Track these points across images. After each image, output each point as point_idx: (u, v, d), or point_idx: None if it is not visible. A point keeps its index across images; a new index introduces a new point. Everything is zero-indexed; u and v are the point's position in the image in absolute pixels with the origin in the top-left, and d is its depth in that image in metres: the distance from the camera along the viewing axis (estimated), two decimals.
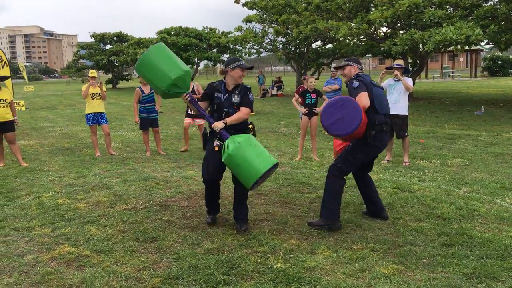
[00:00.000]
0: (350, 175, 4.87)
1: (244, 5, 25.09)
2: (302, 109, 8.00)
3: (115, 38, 40.49)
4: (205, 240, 4.32)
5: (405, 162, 7.51)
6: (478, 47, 26.18)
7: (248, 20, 25.93)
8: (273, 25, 25.36)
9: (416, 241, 4.19)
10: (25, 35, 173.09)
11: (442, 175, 6.66)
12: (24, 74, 37.34)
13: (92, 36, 40.05)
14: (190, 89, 8.98)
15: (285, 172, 7.00)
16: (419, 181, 6.40)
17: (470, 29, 12.83)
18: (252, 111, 4.67)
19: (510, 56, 38.38)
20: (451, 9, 15.79)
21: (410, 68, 20.30)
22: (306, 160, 8.00)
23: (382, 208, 4.83)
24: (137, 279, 3.57)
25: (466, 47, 15.64)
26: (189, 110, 9.11)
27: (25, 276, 3.66)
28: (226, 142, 4.28)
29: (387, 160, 7.67)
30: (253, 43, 26.00)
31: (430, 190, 5.87)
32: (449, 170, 7.00)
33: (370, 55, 27.65)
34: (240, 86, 4.60)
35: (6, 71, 13.46)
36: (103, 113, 8.86)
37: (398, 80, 7.35)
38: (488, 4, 15.10)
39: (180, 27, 35.88)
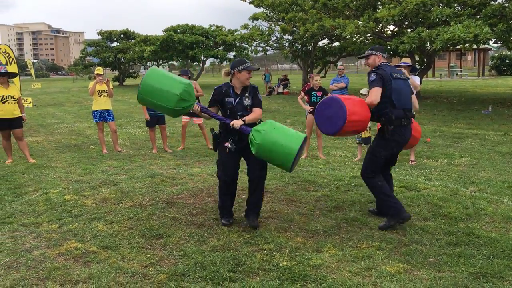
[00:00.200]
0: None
1: (250, 2, 25.06)
2: (308, 107, 7.99)
3: (122, 35, 40.64)
4: (211, 237, 4.34)
5: (411, 161, 7.49)
6: (486, 45, 26.02)
7: (254, 17, 25.94)
8: (279, 23, 25.35)
9: (423, 240, 4.18)
10: (33, 32, 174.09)
11: (449, 174, 6.64)
12: (32, 71, 37.54)
13: (99, 33, 40.22)
14: None
15: None
16: (425, 180, 6.37)
17: (478, 28, 12.74)
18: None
19: None
20: (459, 8, 15.69)
21: (418, 67, 20.20)
22: (312, 158, 7.99)
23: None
24: (143, 275, 3.59)
25: (474, 46, 15.54)
26: None
27: (32, 271, 3.70)
28: (250, 135, 4.31)
29: None
30: (259, 41, 26.00)
31: (436, 189, 5.85)
32: (456, 169, 6.97)
33: None
34: (249, 87, 4.61)
35: (14, 68, 13.56)
36: (110, 110, 8.90)
37: None
38: (497, 2, 14.99)
39: (187, 24, 35.88)
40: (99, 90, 8.69)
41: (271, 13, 25.31)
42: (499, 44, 20.44)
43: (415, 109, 4.62)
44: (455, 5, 15.33)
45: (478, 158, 7.73)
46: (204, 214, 5.03)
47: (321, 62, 28.34)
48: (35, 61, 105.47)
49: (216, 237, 4.34)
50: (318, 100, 7.93)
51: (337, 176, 6.60)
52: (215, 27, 36.60)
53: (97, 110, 8.79)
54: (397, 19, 15.42)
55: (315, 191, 5.90)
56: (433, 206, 5.15)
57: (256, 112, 4.55)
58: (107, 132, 9.80)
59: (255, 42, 26.48)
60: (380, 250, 3.98)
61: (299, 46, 26.85)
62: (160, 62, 40.55)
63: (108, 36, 40.33)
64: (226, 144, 4.47)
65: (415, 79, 7.23)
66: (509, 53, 36.20)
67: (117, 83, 40.12)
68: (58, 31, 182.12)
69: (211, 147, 9.13)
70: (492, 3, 14.92)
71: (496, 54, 39.74)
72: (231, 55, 36.29)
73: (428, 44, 16.14)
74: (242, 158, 4.71)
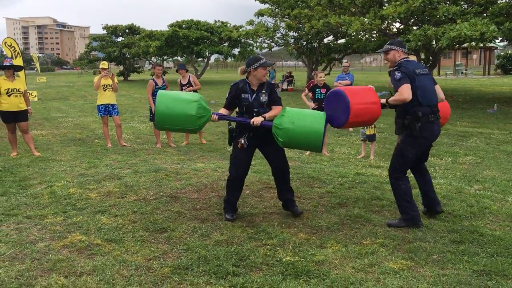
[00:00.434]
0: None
1: None
2: (312, 104, 7.98)
3: (127, 30, 40.61)
4: (215, 232, 4.35)
5: None
6: (492, 44, 25.85)
7: (260, 14, 25.83)
8: (285, 19, 25.24)
9: (426, 238, 4.17)
10: (38, 26, 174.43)
11: (454, 173, 6.62)
12: (37, 65, 37.71)
13: (104, 28, 40.22)
14: (186, 81, 9.05)
15: (295, 167, 6.99)
16: None
17: (485, 26, 12.65)
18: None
19: None
20: (466, 6, 15.59)
21: (423, 65, 20.09)
22: (316, 155, 7.99)
23: (437, 202, 4.69)
24: (147, 268, 3.61)
25: (481, 44, 15.44)
26: None
27: (37, 263, 3.72)
28: (273, 130, 4.39)
29: None
30: (264, 37, 25.90)
31: (441, 187, 5.83)
32: (460, 168, 6.95)
33: None
34: (266, 84, 4.63)
35: (19, 62, 13.60)
36: (115, 104, 8.92)
37: None
38: (504, 1, 14.88)
39: (192, 20, 35.82)
40: (104, 84, 8.71)
41: (277, 10, 25.22)
42: (505, 43, 20.32)
43: (441, 99, 4.54)
44: (462, 3, 15.23)
45: (482, 157, 7.71)
46: (207, 209, 5.04)
47: (326, 59, 28.21)
48: (40, 55, 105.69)
49: (219, 232, 4.35)
50: (322, 97, 7.92)
51: (341, 173, 6.59)
52: (220, 23, 36.53)
53: (102, 104, 8.81)
54: (403, 17, 15.31)
55: (319, 188, 5.90)
56: None
57: (276, 110, 4.58)
58: (112, 126, 9.83)
59: (260, 39, 26.38)
60: (384, 247, 3.98)
61: (304, 43, 26.74)
62: (165, 57, 40.55)
63: (113, 31, 40.31)
64: (240, 139, 4.53)
65: None
66: None
67: (121, 78, 40.15)
68: (64, 26, 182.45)
69: (205, 141, 9.26)
70: (499, 1, 14.82)
71: (502, 53, 39.47)
72: (236, 51, 36.22)
73: (434, 42, 16.04)
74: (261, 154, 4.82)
